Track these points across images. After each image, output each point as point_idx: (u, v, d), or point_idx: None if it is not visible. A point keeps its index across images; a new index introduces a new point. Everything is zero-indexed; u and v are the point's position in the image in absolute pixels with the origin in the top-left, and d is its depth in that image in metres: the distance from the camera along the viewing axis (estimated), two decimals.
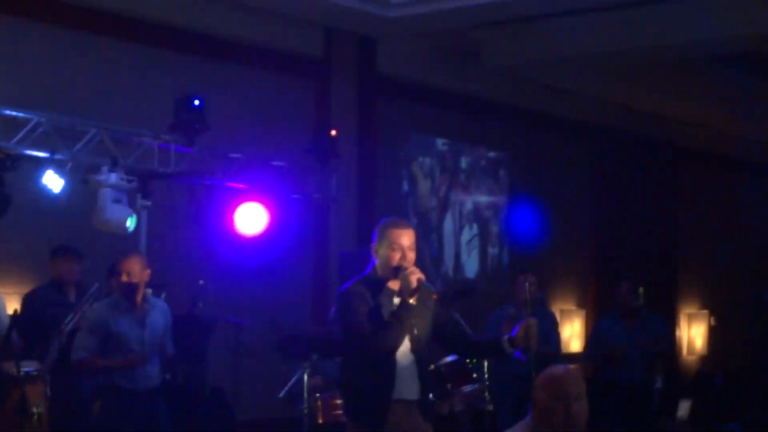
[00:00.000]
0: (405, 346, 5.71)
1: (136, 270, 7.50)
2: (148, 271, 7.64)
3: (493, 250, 15.61)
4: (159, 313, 7.69)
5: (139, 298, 7.54)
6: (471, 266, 15.29)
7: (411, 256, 5.75)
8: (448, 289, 10.43)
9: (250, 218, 10.26)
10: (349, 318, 5.72)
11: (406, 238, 5.77)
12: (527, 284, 10.07)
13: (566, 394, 4.43)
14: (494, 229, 15.68)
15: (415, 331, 5.75)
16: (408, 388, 5.73)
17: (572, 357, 13.54)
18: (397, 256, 5.72)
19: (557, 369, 4.58)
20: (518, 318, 9.94)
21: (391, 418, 5.66)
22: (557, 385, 4.44)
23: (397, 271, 5.72)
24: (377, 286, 5.78)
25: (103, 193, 9.18)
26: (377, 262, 5.82)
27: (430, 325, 5.85)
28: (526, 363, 8.93)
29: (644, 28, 12.73)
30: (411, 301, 5.64)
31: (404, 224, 5.89)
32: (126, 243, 9.41)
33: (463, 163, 15.20)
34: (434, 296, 5.89)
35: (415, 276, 5.64)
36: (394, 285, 5.76)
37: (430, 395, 6.03)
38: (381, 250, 5.79)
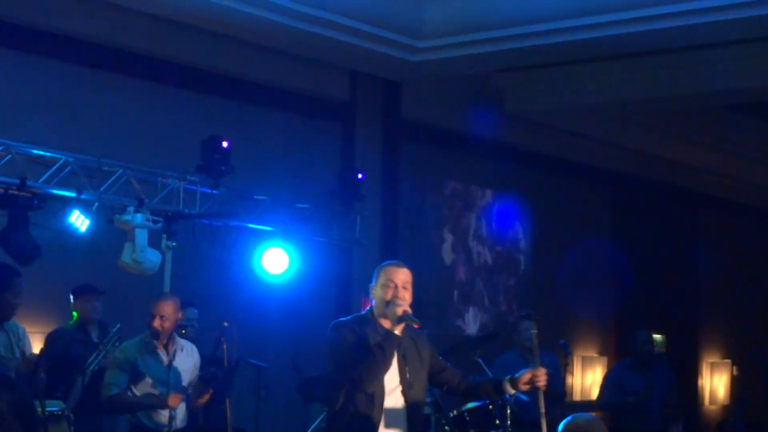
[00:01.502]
0: (394, 388, 5.84)
1: (170, 312, 7.50)
2: (181, 314, 7.65)
3: (514, 295, 15.57)
4: (187, 354, 7.69)
5: (168, 339, 7.54)
6: (493, 310, 15.27)
7: (404, 293, 5.87)
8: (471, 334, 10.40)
9: (275, 260, 10.28)
10: (337, 346, 5.88)
11: (401, 276, 5.92)
12: (532, 331, 10.10)
13: None
14: (516, 273, 15.64)
15: (407, 375, 5.88)
16: (394, 430, 5.84)
17: (590, 404, 13.45)
18: (389, 293, 5.84)
19: (581, 417, 4.52)
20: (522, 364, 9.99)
21: None
22: None
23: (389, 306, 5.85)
24: (371, 323, 5.91)
25: (138, 233, 9.21)
26: (374, 302, 5.98)
27: (425, 371, 6.03)
28: (528, 403, 9.01)
29: (665, 75, 12.77)
30: (396, 331, 5.75)
31: (399, 264, 6.07)
32: (150, 284, 9.44)
33: (485, 208, 15.19)
34: (416, 325, 5.92)
35: (402, 307, 5.76)
36: (386, 323, 5.85)
37: None
38: (376, 289, 5.94)
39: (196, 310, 9.30)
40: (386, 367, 5.77)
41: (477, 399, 8.21)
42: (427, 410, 8.78)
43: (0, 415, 2.34)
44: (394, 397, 5.84)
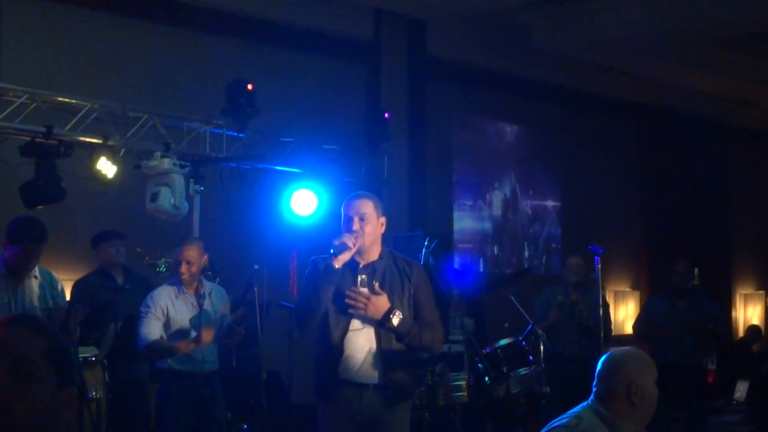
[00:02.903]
0: (360, 327, 5.71)
1: (195, 257, 7.49)
2: (206, 257, 7.64)
3: (545, 232, 15.53)
4: (216, 297, 7.69)
5: (196, 283, 7.54)
6: (526, 247, 15.24)
7: (357, 224, 5.72)
8: (503, 272, 10.38)
9: (303, 202, 10.25)
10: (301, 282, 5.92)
11: (353, 207, 5.77)
12: (576, 265, 10.13)
13: (655, 378, 4.32)
14: (546, 210, 15.60)
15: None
16: (361, 371, 5.71)
17: (623, 338, 13.43)
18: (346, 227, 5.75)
19: (626, 352, 4.43)
20: (566, 300, 9.99)
21: (338, 398, 5.72)
22: (626, 369, 4.29)
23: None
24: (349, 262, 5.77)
25: (177, 179, 9.21)
26: None
27: (408, 305, 5.79)
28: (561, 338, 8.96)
29: (692, 6, 12.60)
30: (335, 263, 5.59)
31: (356, 195, 5.91)
32: (178, 229, 9.44)
33: (512, 144, 15.12)
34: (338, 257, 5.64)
35: (343, 240, 5.61)
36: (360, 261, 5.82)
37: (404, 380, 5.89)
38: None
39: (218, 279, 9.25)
40: (320, 302, 5.65)
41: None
42: (459, 348, 8.80)
43: (33, 363, 2.31)
44: (363, 333, 5.73)
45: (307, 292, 5.72)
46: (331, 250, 5.60)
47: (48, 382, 2.32)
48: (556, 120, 15.56)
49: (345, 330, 5.70)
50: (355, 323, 5.71)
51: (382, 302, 5.66)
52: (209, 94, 10.29)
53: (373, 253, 5.83)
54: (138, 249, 9.22)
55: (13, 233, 6.93)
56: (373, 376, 5.71)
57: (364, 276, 5.75)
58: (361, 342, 5.71)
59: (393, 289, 5.76)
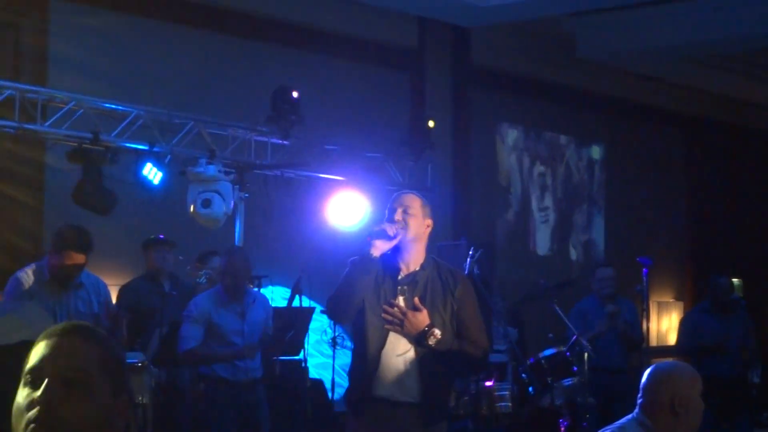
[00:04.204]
0: (400, 343, 5.27)
1: (239, 265, 7.52)
2: (250, 267, 7.68)
3: (589, 241, 15.47)
4: (260, 305, 7.70)
5: (240, 292, 7.56)
6: (571, 257, 15.19)
7: (400, 216, 5.31)
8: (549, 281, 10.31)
9: (346, 210, 10.24)
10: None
11: (400, 201, 5.39)
12: (608, 278, 10.04)
13: (700, 390, 4.29)
14: (590, 219, 15.53)
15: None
16: (397, 388, 5.24)
17: (667, 350, 13.35)
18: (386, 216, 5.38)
19: (672, 365, 4.43)
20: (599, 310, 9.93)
21: (369, 414, 5.29)
22: (699, 383, 4.27)
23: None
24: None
25: (224, 186, 9.24)
26: None
27: (450, 321, 5.34)
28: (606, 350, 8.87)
29: (741, 15, 12.52)
30: (372, 251, 5.20)
31: (404, 192, 5.60)
32: (222, 235, 9.46)
33: (557, 154, 15.07)
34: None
35: (384, 226, 5.26)
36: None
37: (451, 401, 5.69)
38: None
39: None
40: (354, 294, 5.24)
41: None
42: (503, 358, 8.77)
43: (88, 373, 2.29)
44: (401, 347, 5.27)
45: (343, 284, 5.29)
46: (368, 237, 5.25)
47: (103, 392, 2.31)
48: (601, 129, 15.49)
49: (383, 343, 5.26)
50: (393, 337, 5.28)
51: (420, 319, 5.24)
52: (254, 102, 10.31)
53: (417, 259, 5.38)
54: (180, 258, 9.26)
55: (58, 242, 6.97)
56: (409, 393, 5.25)
57: (404, 287, 5.32)
58: (398, 357, 5.26)
59: (434, 305, 5.31)
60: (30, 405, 2.26)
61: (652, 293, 15.60)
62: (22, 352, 2.39)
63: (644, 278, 7.93)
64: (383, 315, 5.25)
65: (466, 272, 8.85)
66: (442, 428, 5.42)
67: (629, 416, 4.34)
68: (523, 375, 8.34)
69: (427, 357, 5.26)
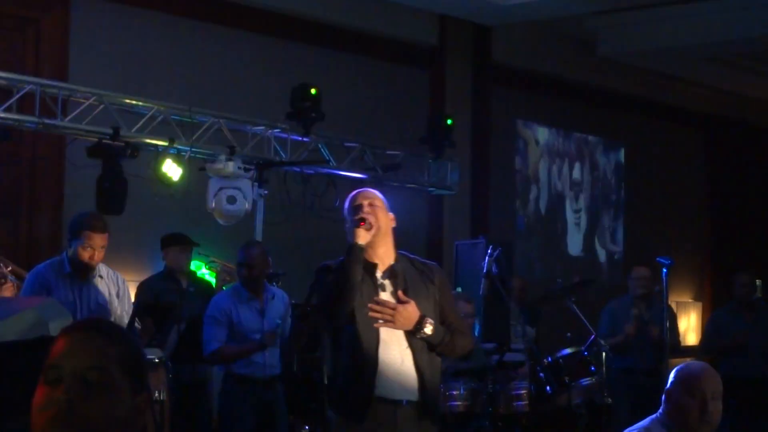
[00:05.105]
0: (393, 340, 5.11)
1: (258, 261, 7.52)
2: (269, 262, 7.68)
3: (608, 241, 15.44)
4: (278, 301, 7.71)
5: (259, 288, 7.57)
6: (600, 258, 15.18)
7: (368, 210, 5.15)
8: (568, 281, 10.30)
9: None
10: (318, 291, 5.32)
11: (360, 198, 5.25)
12: (643, 277, 10.01)
13: (703, 392, 4.30)
14: (609, 219, 15.50)
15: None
16: (395, 387, 5.08)
17: (689, 350, 13.30)
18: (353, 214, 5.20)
19: (695, 365, 4.46)
20: (639, 313, 9.89)
21: (369, 417, 5.06)
22: (695, 383, 4.32)
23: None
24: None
25: (244, 183, 9.25)
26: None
27: (437, 312, 5.22)
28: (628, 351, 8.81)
29: (759, 15, 12.47)
30: (357, 238, 5.07)
31: (360, 190, 5.41)
32: (240, 232, 9.46)
33: (577, 153, 15.04)
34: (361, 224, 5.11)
35: (362, 215, 5.11)
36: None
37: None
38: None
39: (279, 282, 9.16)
40: (351, 284, 5.03)
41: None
42: (521, 357, 8.74)
43: (108, 370, 2.28)
44: (395, 344, 5.12)
45: (338, 280, 5.07)
46: (352, 225, 5.10)
47: (123, 389, 2.30)
48: (621, 128, 15.45)
49: (377, 342, 5.09)
50: (385, 334, 5.10)
51: (410, 311, 5.09)
52: (274, 98, 10.32)
53: (389, 253, 5.24)
54: (199, 253, 9.27)
55: (76, 226, 6.98)
56: (408, 391, 5.10)
57: (385, 282, 5.18)
58: (393, 354, 5.10)
59: (418, 295, 5.17)
60: (50, 403, 2.25)
61: (670, 293, 15.53)
62: (40, 348, 2.38)
63: (664, 278, 7.86)
64: (371, 314, 5.07)
65: (484, 271, 8.89)
66: (438, 426, 5.33)
67: (653, 416, 4.41)
68: (541, 374, 8.33)
69: (421, 351, 5.14)
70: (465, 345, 5.36)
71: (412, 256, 5.39)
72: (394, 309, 5.07)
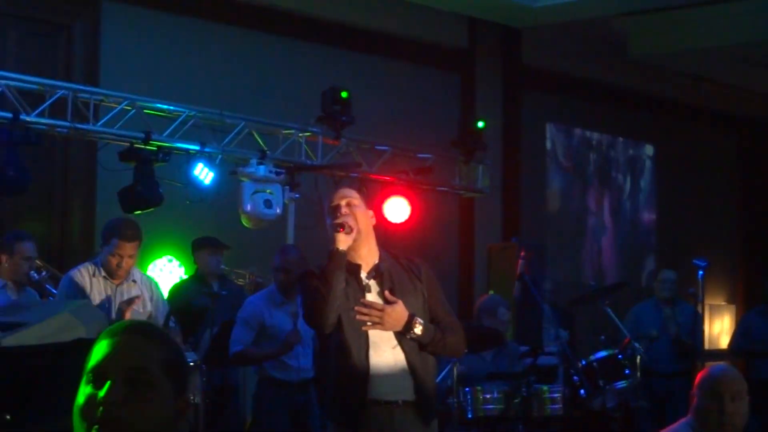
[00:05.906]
0: (383, 342, 5.00)
1: (296, 265, 7.52)
2: (304, 263, 7.66)
3: (638, 244, 15.37)
4: None
5: (294, 292, 7.55)
6: (617, 259, 15.10)
7: (346, 210, 5.02)
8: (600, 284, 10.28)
9: (397, 210, 10.24)
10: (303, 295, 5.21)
11: (338, 197, 5.12)
12: (670, 281, 9.97)
13: (720, 393, 4.31)
14: (640, 221, 15.43)
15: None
16: (389, 388, 4.99)
17: (721, 353, 13.22)
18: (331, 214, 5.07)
19: (716, 368, 4.50)
20: (668, 315, 9.85)
21: (365, 422, 4.98)
22: (712, 384, 4.34)
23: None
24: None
25: (276, 187, 9.26)
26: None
27: (426, 309, 5.11)
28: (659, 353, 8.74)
29: None
30: (338, 244, 4.93)
31: (338, 189, 5.36)
32: (273, 236, 9.46)
33: (608, 155, 14.98)
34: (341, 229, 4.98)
35: (341, 219, 4.97)
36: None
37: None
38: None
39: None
40: (333, 292, 4.89)
41: None
42: (554, 360, 8.70)
43: (150, 372, 2.27)
44: (385, 346, 5.01)
45: (321, 288, 4.94)
46: (333, 230, 4.97)
47: (165, 391, 2.29)
48: (652, 130, 15.39)
49: (366, 345, 4.98)
50: (375, 336, 4.99)
51: (399, 311, 4.97)
52: (305, 102, 10.33)
53: (373, 252, 5.13)
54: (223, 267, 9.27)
55: (107, 233, 7.00)
56: (403, 391, 5.01)
57: (370, 283, 5.06)
58: (385, 356, 4.99)
59: (405, 293, 5.05)
60: (93, 405, 2.24)
61: (704, 296, 15.45)
62: (77, 350, 2.38)
63: (700, 280, 7.81)
64: (358, 317, 4.97)
65: (518, 272, 8.87)
66: (435, 425, 5.21)
67: (682, 420, 4.45)
68: (575, 377, 8.28)
69: (412, 350, 5.03)
70: (456, 343, 5.25)
71: (396, 252, 5.29)
72: (381, 310, 4.97)
